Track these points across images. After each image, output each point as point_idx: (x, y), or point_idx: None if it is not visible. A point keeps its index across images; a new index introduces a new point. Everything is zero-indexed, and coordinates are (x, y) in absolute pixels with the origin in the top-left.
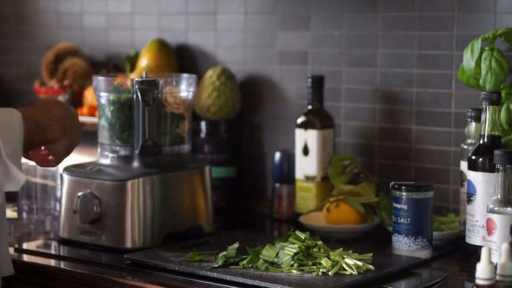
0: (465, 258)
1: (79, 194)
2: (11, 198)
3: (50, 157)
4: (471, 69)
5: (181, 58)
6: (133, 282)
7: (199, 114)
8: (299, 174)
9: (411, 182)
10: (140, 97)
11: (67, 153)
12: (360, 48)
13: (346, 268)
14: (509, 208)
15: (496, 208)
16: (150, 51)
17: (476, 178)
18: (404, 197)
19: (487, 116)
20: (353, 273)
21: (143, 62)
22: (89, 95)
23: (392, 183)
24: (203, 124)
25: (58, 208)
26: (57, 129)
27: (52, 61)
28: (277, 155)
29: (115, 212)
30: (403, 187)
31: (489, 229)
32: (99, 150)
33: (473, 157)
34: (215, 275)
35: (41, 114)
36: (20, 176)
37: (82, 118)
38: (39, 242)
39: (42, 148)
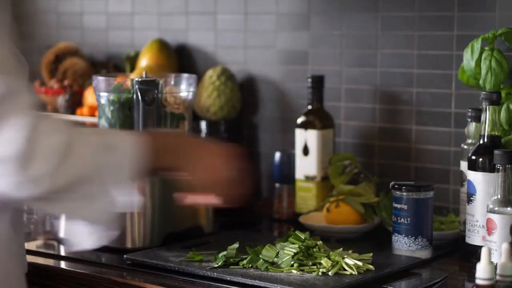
0: (465, 258)
1: None
2: None
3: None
4: (471, 69)
5: (181, 58)
6: (133, 282)
7: (199, 114)
8: (299, 174)
9: (411, 182)
10: (140, 97)
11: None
12: (360, 48)
13: (346, 268)
14: (509, 208)
15: (496, 208)
16: (150, 51)
17: (476, 178)
18: (404, 197)
19: (487, 116)
20: (353, 273)
21: (143, 62)
22: (89, 95)
23: (392, 183)
24: (203, 124)
25: None
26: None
27: (52, 61)
28: (277, 155)
29: None
30: (403, 187)
31: (489, 229)
32: None
33: (473, 157)
34: (215, 275)
35: (170, 139)
36: (134, 198)
37: (82, 118)
38: (39, 242)
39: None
